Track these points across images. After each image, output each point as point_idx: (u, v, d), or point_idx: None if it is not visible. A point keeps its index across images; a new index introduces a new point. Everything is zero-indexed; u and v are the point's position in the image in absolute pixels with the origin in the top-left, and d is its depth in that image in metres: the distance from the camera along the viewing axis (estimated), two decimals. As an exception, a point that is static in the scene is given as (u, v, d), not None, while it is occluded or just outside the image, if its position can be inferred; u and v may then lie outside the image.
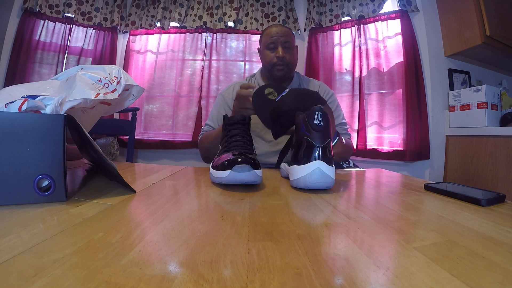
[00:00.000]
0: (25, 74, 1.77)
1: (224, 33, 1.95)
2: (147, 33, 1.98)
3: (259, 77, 1.02)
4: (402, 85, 1.69)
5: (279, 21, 1.88)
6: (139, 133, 1.93)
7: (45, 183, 0.32)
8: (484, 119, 1.44)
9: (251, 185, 0.47)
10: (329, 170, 0.43)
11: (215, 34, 1.94)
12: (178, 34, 1.97)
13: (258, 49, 1.01)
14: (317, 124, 0.44)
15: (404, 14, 1.70)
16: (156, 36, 1.98)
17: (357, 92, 1.77)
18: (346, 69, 1.84)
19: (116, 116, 1.84)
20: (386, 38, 1.75)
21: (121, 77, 0.50)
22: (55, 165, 0.33)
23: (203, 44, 1.95)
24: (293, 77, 1.02)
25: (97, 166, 0.56)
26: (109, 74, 0.50)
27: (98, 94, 0.43)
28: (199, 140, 0.97)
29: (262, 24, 1.89)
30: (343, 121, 0.99)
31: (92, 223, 0.26)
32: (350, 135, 0.98)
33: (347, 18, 1.82)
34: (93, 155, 0.44)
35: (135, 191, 0.40)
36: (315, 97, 0.63)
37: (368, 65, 1.78)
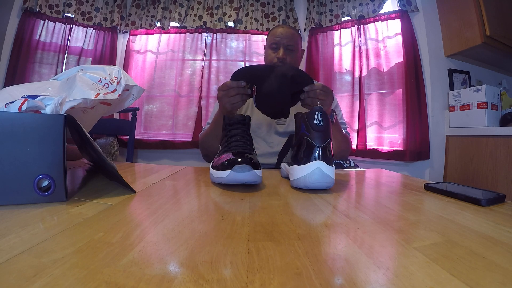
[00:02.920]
0: (25, 74, 1.77)
1: (224, 33, 1.95)
2: (147, 33, 1.98)
3: None
4: (402, 85, 1.69)
5: (279, 21, 1.88)
6: (139, 133, 1.93)
7: (45, 183, 0.32)
8: (484, 119, 1.44)
9: (251, 185, 0.47)
10: (329, 170, 0.43)
11: (215, 34, 1.94)
12: (178, 34, 1.97)
13: (264, 46, 1.02)
14: (317, 124, 0.44)
15: (404, 14, 1.70)
16: (156, 36, 1.98)
17: (357, 92, 1.77)
18: (346, 69, 1.84)
19: (116, 116, 1.84)
20: (386, 38, 1.75)
21: (121, 78, 0.50)
22: (55, 165, 0.33)
23: (203, 44, 1.95)
24: None
25: (97, 166, 0.56)
26: (109, 74, 0.50)
27: (98, 94, 0.43)
28: (199, 139, 0.97)
29: (262, 24, 1.89)
30: (342, 120, 0.99)
31: (92, 223, 0.26)
32: (349, 134, 0.98)
33: (347, 18, 1.82)
34: (93, 155, 0.44)
35: (135, 191, 0.40)
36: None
37: (368, 65, 1.78)
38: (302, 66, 1.86)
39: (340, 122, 0.97)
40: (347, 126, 1.00)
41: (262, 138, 0.95)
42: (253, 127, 0.92)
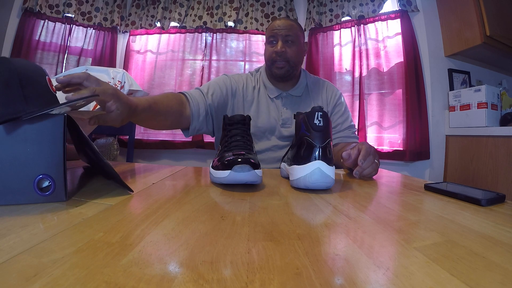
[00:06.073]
0: (25, 74, 1.77)
1: (224, 33, 1.95)
2: (147, 33, 1.97)
3: (263, 73, 0.95)
4: (402, 85, 1.69)
5: (279, 21, 1.87)
6: (139, 133, 1.93)
7: (45, 183, 0.32)
8: (484, 119, 1.44)
9: (251, 185, 0.47)
10: (329, 170, 0.43)
11: (215, 34, 1.94)
12: (178, 34, 1.97)
13: (265, 44, 0.93)
14: (317, 124, 0.44)
15: (404, 14, 1.70)
16: (156, 36, 1.97)
17: (357, 92, 1.77)
18: (346, 69, 1.83)
19: (116, 116, 1.84)
20: (386, 38, 1.75)
21: (125, 82, 0.50)
22: (55, 165, 0.33)
23: (203, 44, 1.95)
24: (300, 75, 0.95)
25: (95, 167, 0.56)
26: (113, 78, 0.50)
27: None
28: None
29: (262, 24, 1.89)
30: (351, 124, 0.93)
31: (92, 223, 0.26)
32: (358, 139, 0.94)
33: (347, 18, 1.82)
34: (90, 155, 0.44)
35: (133, 191, 0.40)
36: None
37: (368, 65, 1.78)
38: (302, 66, 1.86)
39: (349, 126, 0.92)
40: (355, 129, 0.94)
41: (266, 139, 0.89)
42: (255, 129, 0.87)
